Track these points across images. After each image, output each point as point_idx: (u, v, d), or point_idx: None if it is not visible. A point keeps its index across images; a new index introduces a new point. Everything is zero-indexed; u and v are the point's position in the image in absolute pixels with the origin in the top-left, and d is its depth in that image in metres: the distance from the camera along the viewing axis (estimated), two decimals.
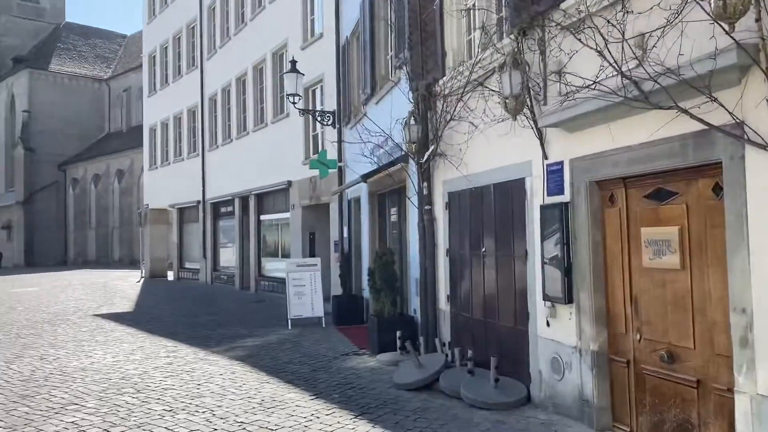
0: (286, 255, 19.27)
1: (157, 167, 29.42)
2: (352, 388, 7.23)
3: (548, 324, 6.15)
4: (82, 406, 6.60)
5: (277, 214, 19.46)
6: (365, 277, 12.55)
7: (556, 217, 5.92)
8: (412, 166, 8.91)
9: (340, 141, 14.63)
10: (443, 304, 8.35)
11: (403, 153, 9.05)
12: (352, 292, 12.98)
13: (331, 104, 15.30)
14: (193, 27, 25.68)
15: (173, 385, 7.48)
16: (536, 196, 6.33)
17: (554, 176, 6.06)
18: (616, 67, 4.81)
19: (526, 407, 6.25)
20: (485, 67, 7.03)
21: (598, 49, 5.03)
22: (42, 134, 55.44)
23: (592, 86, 5.07)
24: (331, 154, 14.61)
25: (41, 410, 6.45)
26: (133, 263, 42.10)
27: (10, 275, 37.68)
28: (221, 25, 23.14)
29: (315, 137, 16.89)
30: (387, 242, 11.99)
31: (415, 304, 9.35)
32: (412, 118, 8.39)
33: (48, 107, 55.74)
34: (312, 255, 17.04)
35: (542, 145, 6.16)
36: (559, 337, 6.01)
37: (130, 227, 45.82)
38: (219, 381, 7.68)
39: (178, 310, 15.71)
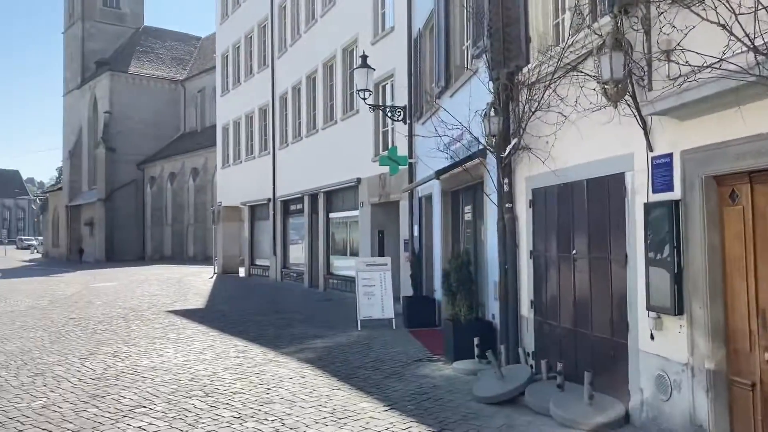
0: (354, 253, 18.99)
1: (229, 165, 29.86)
2: (429, 398, 6.74)
3: (652, 337, 5.46)
4: (151, 409, 6.40)
5: (345, 212, 19.21)
6: (437, 278, 12.06)
7: (664, 217, 5.22)
8: (492, 161, 8.32)
9: (411, 137, 14.16)
10: (526, 310, 7.73)
11: (481, 147, 8.48)
12: (422, 293, 12.48)
13: (402, 99, 14.84)
14: (264, 26, 25.84)
15: (242, 389, 7.21)
16: (638, 192, 5.64)
17: (661, 170, 5.36)
18: (747, 41, 4.10)
19: (625, 429, 5.58)
20: (578, 51, 6.37)
21: (722, 23, 4.33)
22: (122, 134, 57.77)
23: (716, 65, 4.37)
24: (402, 150, 14.15)
25: (110, 412, 6.29)
26: (206, 259, 43.13)
27: (91, 270, 39.37)
28: (292, 23, 23.14)
29: (385, 134, 16.50)
30: (460, 242, 11.43)
31: (493, 308, 8.77)
32: (493, 109, 7.81)
33: (127, 108, 58.01)
34: (381, 254, 16.67)
35: (647, 135, 5.47)
36: (666, 353, 5.31)
37: (204, 224, 46.98)
38: (289, 385, 7.36)
39: (249, 308, 15.68)
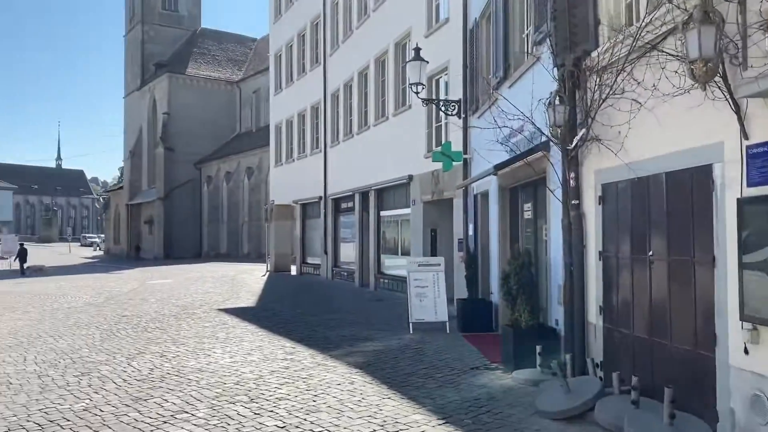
0: (405, 252, 18.53)
1: (282, 164, 29.90)
2: (487, 412, 6.20)
3: (746, 351, 4.77)
4: (192, 415, 6.10)
5: (397, 209, 18.78)
6: (493, 280, 11.47)
7: (762, 214, 4.54)
8: (556, 154, 7.70)
9: (465, 131, 13.59)
10: (594, 317, 7.09)
11: (544, 139, 7.87)
12: (478, 295, 11.90)
13: (456, 93, 14.29)
14: (317, 24, 25.67)
15: (288, 395, 6.84)
16: (730, 186, 4.95)
17: (759, 161, 4.66)
18: None
19: None
20: (657, 30, 5.71)
21: None
22: (180, 134, 59.07)
23: None
24: (456, 145, 13.60)
25: (151, 417, 6.02)
26: (260, 257, 43.52)
27: (150, 266, 40.29)
28: (344, 20, 22.86)
29: (438, 129, 15.97)
30: (519, 242, 10.80)
31: (556, 313, 8.14)
32: (558, 97, 7.20)
33: (185, 109, 59.28)
34: (433, 253, 16.15)
35: (741, 121, 4.78)
36: (764, 369, 4.63)
37: (258, 222, 47.46)
38: (336, 392, 6.95)
39: (299, 307, 15.43)
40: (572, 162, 7.33)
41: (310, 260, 27.44)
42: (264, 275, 27.67)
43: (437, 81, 15.98)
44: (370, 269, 20.15)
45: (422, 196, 16.24)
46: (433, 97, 15.46)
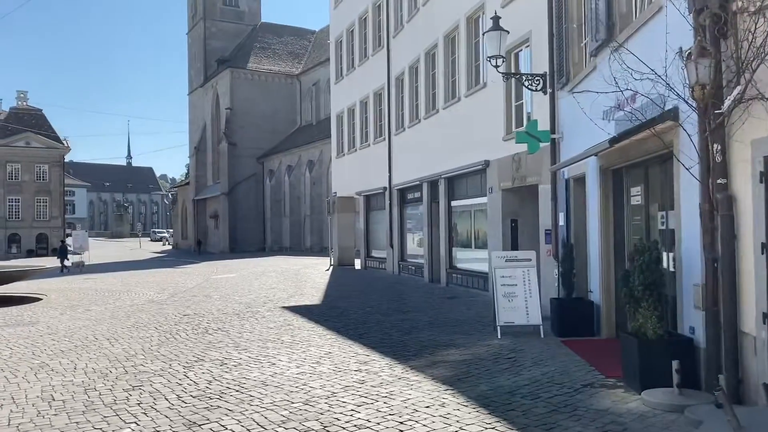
0: (480, 246, 17.14)
1: (344, 155, 28.92)
2: None
3: None
4: None
5: (470, 199, 17.36)
6: (593, 276, 9.97)
7: None
8: (691, 122, 6.18)
9: (553, 107, 12.06)
10: (752, 325, 5.57)
11: (670, 106, 6.35)
12: (573, 294, 10.40)
13: (540, 66, 12.76)
14: (379, 5, 24.43)
15: (368, 421, 5.65)
16: None
17: None
18: None
19: None
20: None
21: None
22: (242, 129, 59.31)
23: None
24: (542, 124, 12.09)
25: None
26: (323, 250, 42.94)
27: (216, 261, 40.30)
28: None
29: (519, 108, 14.45)
30: (624, 232, 9.27)
31: (690, 320, 6.63)
32: (699, 49, 5.67)
33: (247, 104, 59.46)
34: (513, 246, 14.69)
35: None
36: None
37: (320, 216, 46.98)
38: (426, 419, 5.70)
39: (367, 305, 14.32)
40: (717, 131, 5.80)
41: (374, 254, 26.36)
42: (328, 269, 26.80)
43: (517, 54, 14.44)
44: (441, 264, 18.82)
45: (501, 183, 14.78)
46: (513, 72, 13.93)
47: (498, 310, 9.92)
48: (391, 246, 23.34)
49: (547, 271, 12.13)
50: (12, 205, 64.72)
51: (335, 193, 29.44)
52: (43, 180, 66.33)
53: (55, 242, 64.25)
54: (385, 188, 23.61)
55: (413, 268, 21.67)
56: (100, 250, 67.99)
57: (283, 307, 14.11)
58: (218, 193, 60.06)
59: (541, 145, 11.89)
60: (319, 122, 55.54)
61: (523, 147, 12.67)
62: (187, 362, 8.23)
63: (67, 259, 34.53)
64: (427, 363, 8.00)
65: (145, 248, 73.32)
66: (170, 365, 8.06)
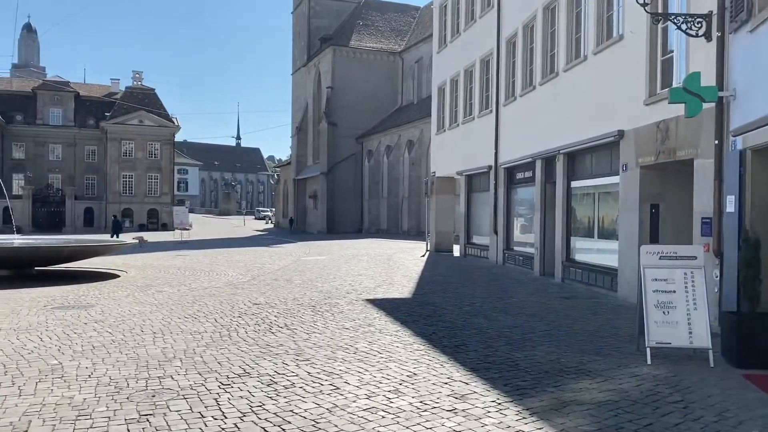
0: (606, 235, 14.26)
1: (444, 130, 26.46)
2: None
3: None
4: None
5: (596, 178, 14.47)
6: None
7: None
8: None
9: (722, 56, 9.07)
10: None
11: None
12: (757, 307, 7.51)
13: (700, 4, 9.76)
14: None
15: None
16: None
17: None
18: None
19: None
20: None
21: None
22: (343, 109, 58.21)
23: None
24: (705, 79, 9.12)
25: None
26: (419, 234, 40.91)
27: (312, 241, 39.31)
28: None
29: (667, 63, 11.42)
30: None
31: None
32: None
33: (348, 82, 58.22)
34: (654, 238, 11.78)
35: None
36: None
37: (418, 198, 44.97)
38: None
39: (466, 302, 11.96)
40: None
41: (476, 240, 23.84)
42: (423, 255, 24.62)
43: None
44: (556, 255, 16.05)
45: (639, 158, 11.84)
46: (666, 13, 10.91)
47: (648, 324, 7.25)
48: (496, 232, 20.73)
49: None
50: (125, 181, 67.61)
51: (434, 173, 27.12)
52: (154, 157, 68.77)
53: (165, 218, 66.71)
54: (490, 167, 20.99)
55: (521, 258, 19.00)
56: (206, 226, 69.93)
57: (367, 300, 12.06)
58: (317, 173, 59.50)
59: (704, 106, 8.96)
60: (420, 101, 53.32)
61: (671, 113, 9.84)
62: (228, 377, 6.31)
63: (117, 236, 35.11)
64: (552, 404, 5.57)
65: (249, 226, 74.64)
66: (206, 380, 6.16)
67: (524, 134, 18.24)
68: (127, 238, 31.33)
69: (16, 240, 18.75)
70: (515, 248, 19.89)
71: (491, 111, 21.07)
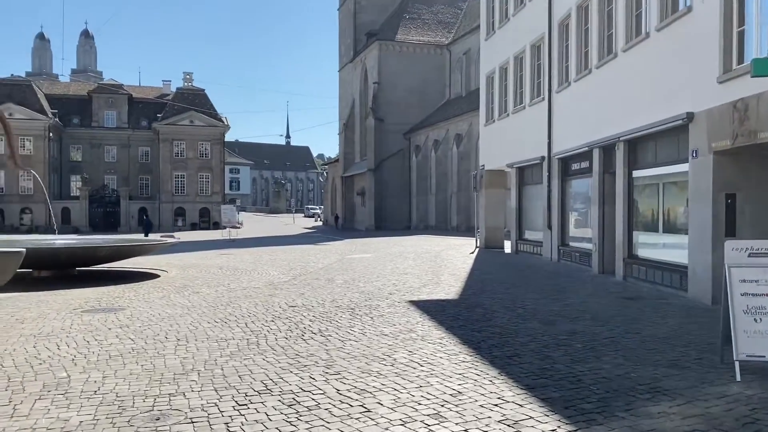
0: (673, 229, 13.01)
1: (493, 121, 25.32)
2: None
3: None
4: None
5: (661, 167, 13.20)
6: None
7: None
8: None
9: None
10: None
11: None
12: None
13: None
14: None
15: None
16: None
17: None
18: None
19: None
20: None
21: None
22: (389, 104, 57.45)
23: None
24: None
25: None
26: (469, 230, 39.80)
27: (359, 238, 38.74)
28: None
29: (743, 34, 10.14)
30: None
31: None
32: None
33: (394, 77, 57.41)
34: (730, 232, 10.51)
35: None
36: None
37: (467, 193, 43.84)
38: None
39: (518, 304, 10.98)
40: None
41: (528, 236, 22.66)
42: (473, 252, 23.59)
43: None
44: (617, 251, 14.83)
45: (712, 142, 10.58)
46: None
47: (735, 333, 6.16)
48: (550, 227, 19.55)
49: None
50: (177, 181, 68.71)
51: (482, 166, 26.02)
52: (205, 157, 69.65)
53: (216, 216, 67.47)
54: (542, 158, 19.80)
55: (577, 255, 17.79)
56: (256, 225, 70.49)
57: (410, 302, 11.21)
58: (365, 169, 58.95)
59: None
60: (469, 93, 52.04)
61: (751, 90, 8.61)
62: (247, 394, 5.57)
63: (147, 235, 35.36)
64: None
65: (298, 224, 74.92)
66: (221, 398, 5.45)
67: (580, 122, 17.04)
68: (156, 237, 31.58)
69: (58, 240, 18.73)
70: (571, 244, 18.67)
71: (543, 99, 19.87)
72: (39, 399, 5.40)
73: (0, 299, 11.51)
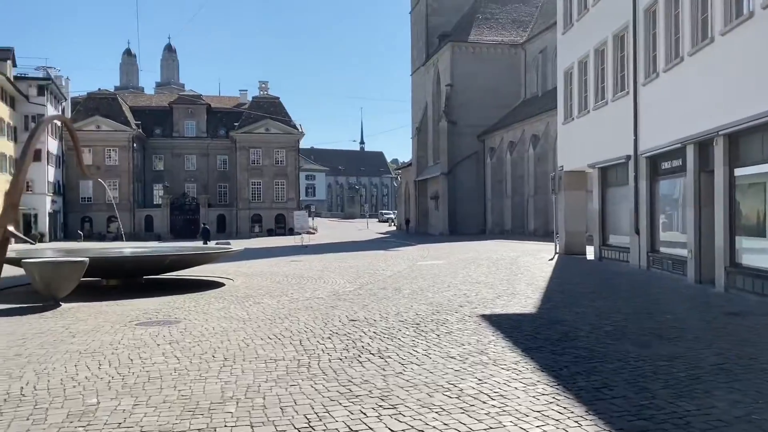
0: None
1: (572, 119, 23.80)
2: None
3: None
4: None
5: None
6: None
7: None
8: None
9: None
10: None
11: None
12: None
13: None
14: None
15: None
16: None
17: None
18: None
19: None
20: None
21: None
22: (462, 106, 56.28)
23: None
24: None
25: None
26: (547, 234, 38.05)
27: (432, 243, 37.87)
28: None
29: None
30: None
31: None
32: None
33: (467, 79, 56.19)
34: None
35: None
36: None
37: (545, 196, 42.06)
38: None
39: (605, 319, 9.75)
40: None
41: (612, 241, 21.04)
42: (551, 259, 22.18)
43: None
44: (716, 258, 13.21)
45: None
46: None
47: None
48: (637, 232, 17.94)
49: None
50: (254, 188, 70.07)
51: (561, 167, 24.52)
52: (280, 164, 70.70)
53: (291, 222, 68.32)
54: (628, 157, 18.25)
55: (669, 262, 16.16)
56: (330, 230, 70.90)
57: (482, 316, 10.20)
58: (438, 173, 57.99)
59: None
60: (545, 93, 50.16)
61: None
62: None
63: (207, 243, 35.65)
64: None
65: (372, 229, 74.78)
66: None
67: (670, 116, 15.47)
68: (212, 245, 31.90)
69: (126, 249, 18.86)
70: (662, 250, 17.03)
71: (628, 92, 18.33)
72: (137, 389, 4.95)
73: (63, 309, 11.41)
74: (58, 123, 50.04)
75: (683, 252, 15.18)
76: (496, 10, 61.41)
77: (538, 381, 6.25)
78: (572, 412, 5.26)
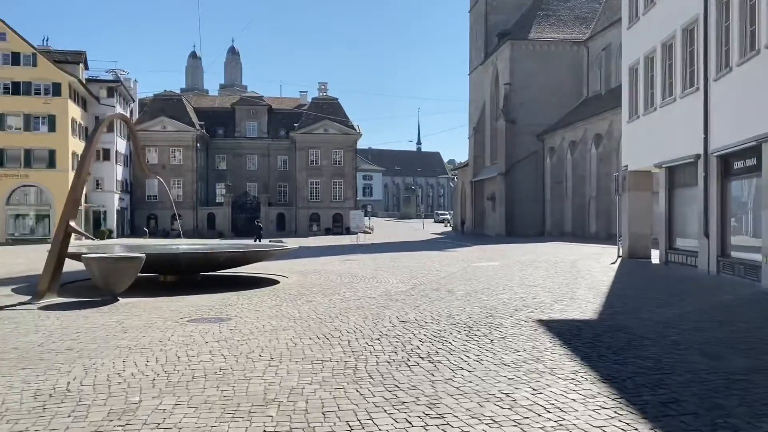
0: None
1: (638, 117, 22.78)
2: None
3: None
4: None
5: None
6: None
7: None
8: None
9: None
10: None
11: None
12: None
13: None
14: None
15: None
16: None
17: None
18: None
19: None
20: None
21: None
22: (521, 105, 55.17)
23: None
24: None
25: None
26: (609, 238, 36.75)
27: (488, 245, 37.21)
28: None
29: None
30: None
31: None
32: None
33: (527, 77, 55.06)
34: None
35: None
36: None
37: (608, 197, 40.60)
38: None
39: (672, 329, 9.12)
40: None
41: (680, 244, 20.01)
42: (614, 262, 21.29)
43: None
44: None
45: None
46: None
47: None
48: (707, 235, 16.96)
49: None
50: (312, 188, 70.75)
51: (625, 166, 23.55)
52: (338, 164, 71.12)
53: (348, 221, 68.70)
54: (698, 156, 17.27)
55: (742, 267, 15.19)
56: (386, 230, 70.90)
57: (539, 321, 9.75)
58: (495, 173, 57.04)
59: None
60: (609, 91, 48.57)
61: None
62: None
63: (259, 240, 36.24)
64: None
65: (428, 229, 74.32)
66: None
67: (744, 112, 14.53)
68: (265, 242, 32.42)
69: (182, 245, 19.20)
70: (733, 254, 16.03)
71: (698, 88, 17.36)
72: (151, 391, 4.85)
73: (120, 304, 11.62)
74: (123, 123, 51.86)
75: (757, 257, 14.21)
76: (557, 6, 59.95)
77: (598, 393, 5.82)
78: (636, 429, 4.83)
